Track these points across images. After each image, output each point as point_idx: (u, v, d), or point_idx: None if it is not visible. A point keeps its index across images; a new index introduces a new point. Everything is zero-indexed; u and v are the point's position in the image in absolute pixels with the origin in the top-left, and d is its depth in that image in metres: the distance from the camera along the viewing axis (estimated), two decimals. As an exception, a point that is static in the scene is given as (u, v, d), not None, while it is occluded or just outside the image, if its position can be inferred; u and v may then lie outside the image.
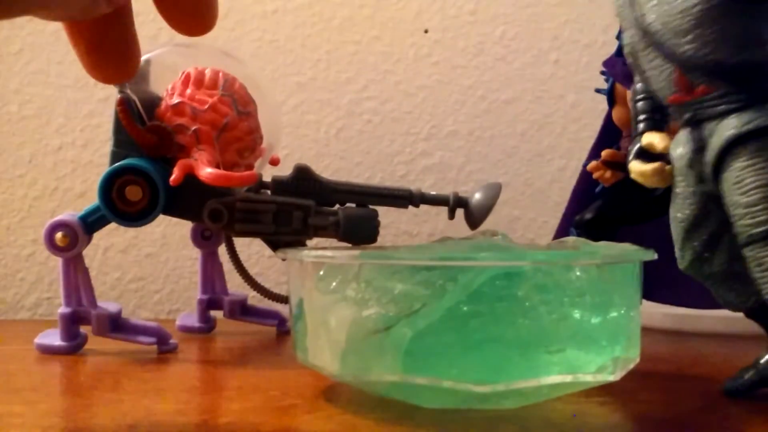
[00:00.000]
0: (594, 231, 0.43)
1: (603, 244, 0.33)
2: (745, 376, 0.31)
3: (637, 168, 0.32)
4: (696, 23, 0.27)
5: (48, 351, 0.41)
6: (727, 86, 0.28)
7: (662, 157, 0.32)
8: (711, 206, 0.30)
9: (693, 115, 0.29)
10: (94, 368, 0.38)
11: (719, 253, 0.31)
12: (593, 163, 0.44)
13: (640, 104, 0.33)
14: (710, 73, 0.27)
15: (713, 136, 0.29)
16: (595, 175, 0.44)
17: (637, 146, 0.33)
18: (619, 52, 0.42)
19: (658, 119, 0.32)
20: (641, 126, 0.33)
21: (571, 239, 0.36)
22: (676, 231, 0.32)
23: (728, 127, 0.28)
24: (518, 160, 0.68)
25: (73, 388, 0.35)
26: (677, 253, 0.32)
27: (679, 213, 0.31)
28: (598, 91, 0.47)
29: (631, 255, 0.29)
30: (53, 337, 0.42)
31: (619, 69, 0.43)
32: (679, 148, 0.30)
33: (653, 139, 0.31)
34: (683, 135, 0.30)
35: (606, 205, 0.44)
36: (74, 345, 0.42)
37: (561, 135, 0.68)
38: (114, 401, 0.31)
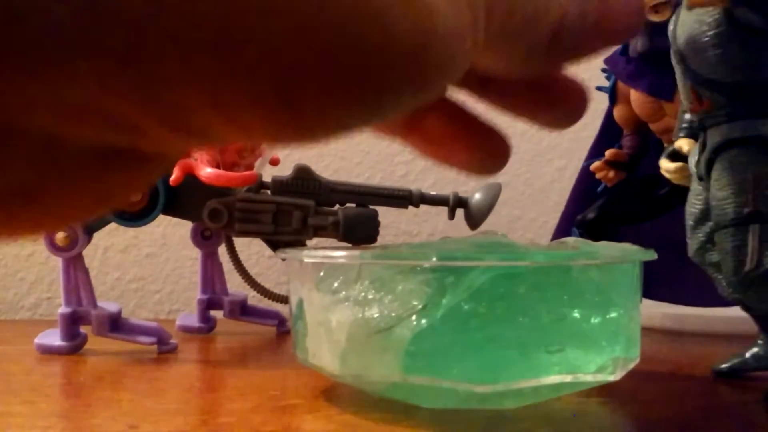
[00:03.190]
0: (596, 230, 0.43)
1: (603, 244, 0.33)
2: (733, 362, 0.36)
3: (663, 165, 0.37)
4: (704, 47, 0.31)
5: (48, 351, 0.41)
6: (725, 101, 0.32)
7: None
8: None
9: (701, 125, 0.34)
10: (94, 368, 0.38)
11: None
12: (597, 164, 0.44)
13: (684, 115, 0.37)
14: (711, 89, 0.32)
15: (708, 142, 0.33)
16: (598, 175, 0.44)
17: (670, 148, 0.37)
18: (623, 50, 0.42)
19: (696, 128, 0.35)
20: (680, 133, 0.37)
21: (571, 240, 0.36)
22: (687, 222, 0.35)
23: (718, 135, 0.32)
24: (518, 160, 0.68)
25: (73, 388, 0.35)
26: (687, 241, 0.35)
27: (690, 207, 0.35)
28: (599, 89, 0.47)
29: (631, 255, 0.29)
30: (53, 337, 0.42)
31: (621, 67, 0.43)
32: (694, 151, 0.35)
33: (682, 144, 0.36)
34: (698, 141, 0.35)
35: (608, 205, 0.44)
36: (74, 345, 0.42)
37: (561, 135, 0.68)
38: (114, 401, 0.31)
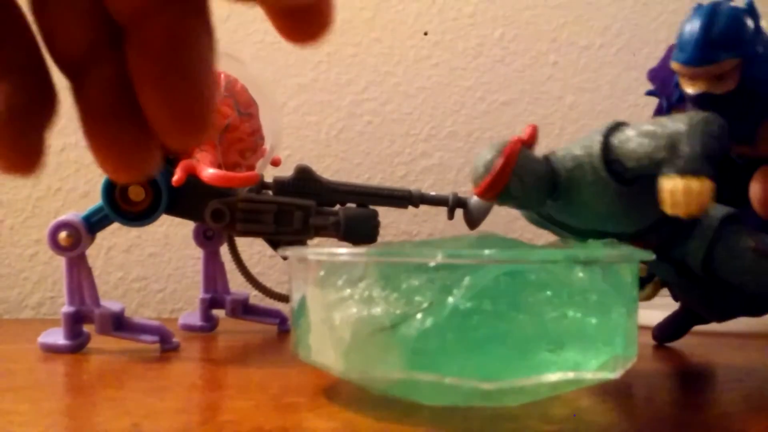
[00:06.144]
0: None
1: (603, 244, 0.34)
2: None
3: None
4: None
5: (51, 350, 0.42)
6: None
7: None
8: None
9: None
10: (97, 367, 0.39)
11: None
12: None
13: None
14: None
15: None
16: None
17: None
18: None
19: None
20: None
21: (572, 241, 0.36)
22: None
23: None
24: (518, 160, 0.68)
25: (76, 387, 0.35)
26: None
27: None
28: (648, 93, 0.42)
29: (631, 255, 0.30)
30: (56, 336, 0.42)
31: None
32: None
33: None
34: None
35: None
36: (77, 344, 0.42)
37: (559, 136, 0.68)
38: (117, 399, 0.31)
